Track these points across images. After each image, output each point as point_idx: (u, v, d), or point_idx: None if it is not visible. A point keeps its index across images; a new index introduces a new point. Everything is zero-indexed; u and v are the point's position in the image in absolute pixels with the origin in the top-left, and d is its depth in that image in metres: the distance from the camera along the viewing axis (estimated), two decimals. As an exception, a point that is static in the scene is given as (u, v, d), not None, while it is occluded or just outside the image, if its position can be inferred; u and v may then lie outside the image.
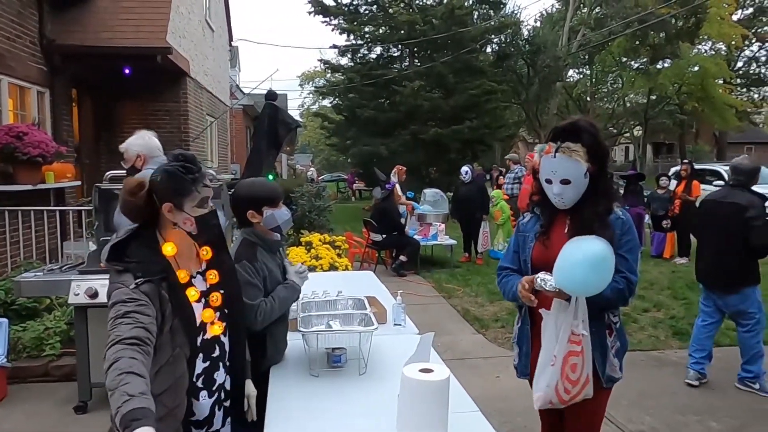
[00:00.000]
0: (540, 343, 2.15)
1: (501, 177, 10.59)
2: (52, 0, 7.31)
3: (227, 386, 1.99)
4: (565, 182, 2.11)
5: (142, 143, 3.59)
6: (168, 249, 1.77)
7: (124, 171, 3.70)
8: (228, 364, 1.98)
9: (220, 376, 1.95)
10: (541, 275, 2.07)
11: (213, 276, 1.90)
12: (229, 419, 2.02)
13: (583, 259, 1.90)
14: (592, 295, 1.99)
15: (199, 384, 1.88)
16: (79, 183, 7.34)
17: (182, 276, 1.80)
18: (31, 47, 6.91)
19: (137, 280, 1.66)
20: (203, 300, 1.86)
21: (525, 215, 2.41)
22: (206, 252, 1.90)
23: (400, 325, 3.03)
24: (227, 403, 2.00)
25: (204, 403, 1.90)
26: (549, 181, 2.16)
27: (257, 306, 2.34)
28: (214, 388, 1.93)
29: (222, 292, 1.92)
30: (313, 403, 2.10)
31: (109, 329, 1.58)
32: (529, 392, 2.50)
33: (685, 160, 10.36)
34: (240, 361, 2.03)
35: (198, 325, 1.83)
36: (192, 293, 1.81)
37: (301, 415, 2.01)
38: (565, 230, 2.18)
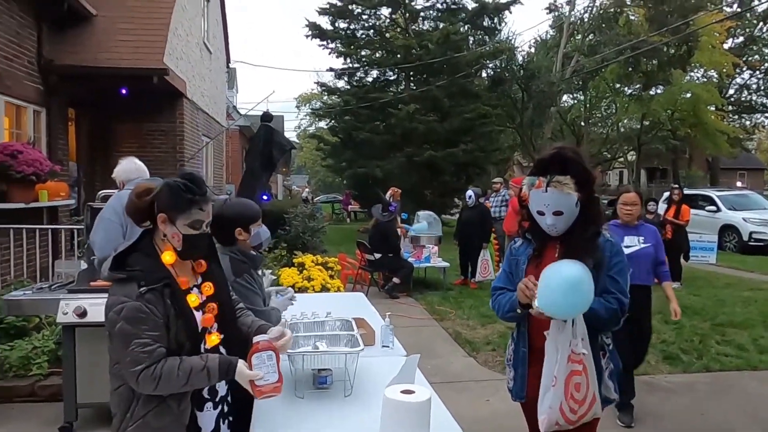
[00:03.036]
0: (537, 365, 2.16)
1: (487, 201, 10.59)
2: (50, 20, 7.41)
3: (229, 399, 2.02)
4: (558, 213, 2.15)
5: (120, 168, 3.73)
6: (167, 257, 1.83)
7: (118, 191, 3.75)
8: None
9: (222, 389, 1.98)
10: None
11: (208, 288, 1.94)
12: None
13: (561, 282, 1.94)
14: (573, 316, 2.02)
15: (205, 394, 1.91)
16: (73, 202, 7.35)
17: (183, 282, 1.85)
18: (29, 67, 6.98)
19: (141, 289, 1.71)
20: (202, 309, 1.90)
21: (516, 240, 2.45)
22: (201, 265, 1.95)
23: (388, 346, 3.03)
24: (231, 418, 2.02)
25: (208, 414, 1.92)
26: (541, 213, 2.19)
27: (267, 312, 2.46)
28: (217, 399, 1.96)
29: (217, 303, 1.95)
30: (298, 424, 2.10)
31: (132, 349, 1.68)
32: (519, 414, 2.50)
33: (675, 185, 10.45)
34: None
35: (200, 330, 1.87)
36: (192, 299, 1.86)
37: (285, 436, 2.01)
38: (556, 254, 2.22)
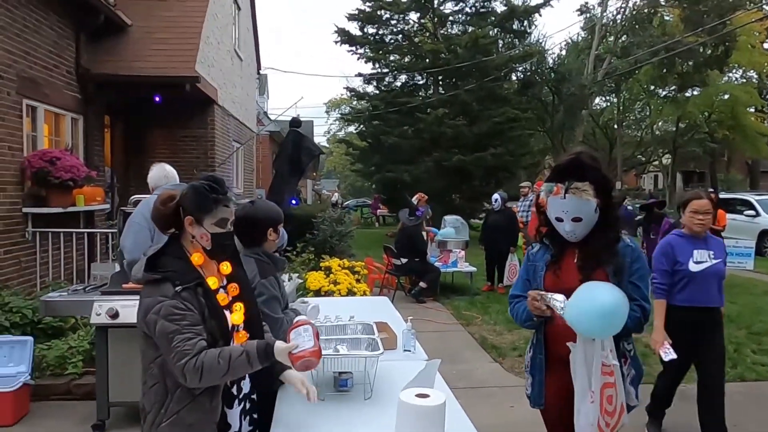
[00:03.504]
0: (555, 373, 2.15)
1: (515, 206, 10.49)
2: (87, 31, 7.67)
3: (253, 397, 2.09)
4: (577, 220, 2.13)
5: (151, 175, 3.87)
6: (196, 259, 1.90)
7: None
8: (251, 374, 2.06)
9: (246, 386, 2.06)
10: (552, 295, 2.09)
11: (234, 288, 2.00)
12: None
13: (598, 308, 1.92)
14: (603, 338, 2.01)
15: (234, 391, 1.99)
16: (108, 206, 7.58)
17: (212, 282, 1.92)
18: (67, 76, 7.23)
19: (176, 288, 1.78)
20: (229, 308, 1.97)
21: (534, 245, 2.43)
22: (226, 267, 2.01)
23: (409, 351, 3.04)
24: (255, 415, 2.10)
25: (235, 411, 2.00)
26: (560, 219, 2.18)
27: (281, 320, 2.47)
28: (241, 396, 2.03)
29: (243, 302, 2.01)
30: (318, 425, 2.13)
31: (174, 345, 1.73)
32: (541, 422, 2.48)
33: (710, 189, 10.19)
34: (263, 372, 2.11)
35: (230, 328, 1.93)
36: (222, 298, 1.93)
37: (306, 437, 2.04)
38: (575, 260, 2.20)
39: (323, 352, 2.42)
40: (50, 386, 4.57)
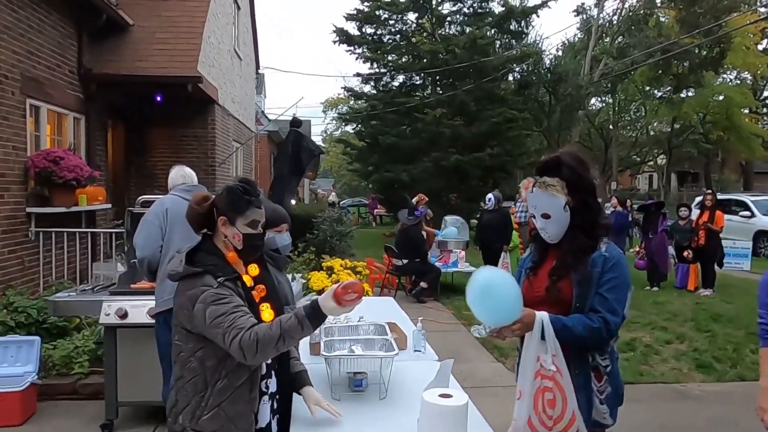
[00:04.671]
0: None
1: (513, 206, 10.55)
2: (89, 31, 7.67)
3: (278, 397, 2.13)
4: (546, 216, 2.09)
5: (170, 175, 3.89)
6: (231, 256, 1.96)
7: (158, 196, 3.91)
8: (275, 375, 2.12)
9: (273, 385, 2.10)
10: (474, 327, 2.11)
11: (261, 290, 2.05)
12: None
13: (473, 290, 1.96)
14: (498, 321, 1.99)
15: (262, 387, 2.03)
16: (110, 206, 7.60)
17: (247, 279, 1.99)
18: (70, 76, 7.24)
19: (219, 279, 1.85)
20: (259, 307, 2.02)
21: (526, 249, 2.42)
22: (254, 268, 2.06)
23: (420, 351, 3.08)
24: (278, 414, 2.14)
25: (265, 407, 2.04)
26: (533, 216, 2.17)
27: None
28: (269, 393, 2.08)
29: (269, 304, 2.06)
30: (335, 425, 2.16)
31: (228, 324, 1.78)
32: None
33: (708, 190, 10.28)
34: (286, 373, 2.18)
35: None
36: (255, 293, 1.99)
37: (324, 436, 2.07)
38: (551, 267, 2.14)
39: (338, 353, 2.47)
40: (57, 386, 4.58)
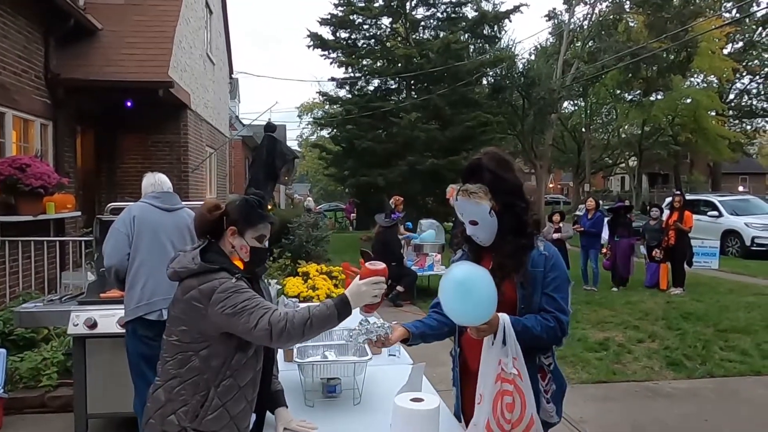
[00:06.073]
0: (470, 386, 2.08)
1: None
2: (57, 36, 7.51)
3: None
4: (473, 223, 2.07)
5: (143, 184, 3.78)
6: (237, 261, 1.97)
7: (127, 203, 3.85)
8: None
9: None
10: (361, 336, 2.17)
11: None
12: None
13: (453, 284, 1.91)
14: (472, 320, 1.93)
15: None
16: (79, 214, 7.43)
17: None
18: (36, 81, 7.07)
19: (236, 275, 1.86)
20: None
21: (456, 252, 2.33)
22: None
23: (394, 355, 3.08)
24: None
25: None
26: (462, 222, 2.14)
27: None
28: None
29: None
30: (308, 432, 2.15)
31: (254, 305, 1.79)
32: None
33: (677, 191, 10.51)
34: (267, 389, 2.18)
35: None
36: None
37: (296, 444, 2.06)
38: (488, 268, 2.08)
39: (311, 360, 2.46)
40: (24, 399, 4.46)
